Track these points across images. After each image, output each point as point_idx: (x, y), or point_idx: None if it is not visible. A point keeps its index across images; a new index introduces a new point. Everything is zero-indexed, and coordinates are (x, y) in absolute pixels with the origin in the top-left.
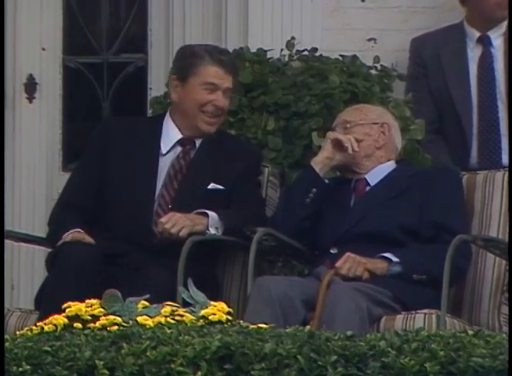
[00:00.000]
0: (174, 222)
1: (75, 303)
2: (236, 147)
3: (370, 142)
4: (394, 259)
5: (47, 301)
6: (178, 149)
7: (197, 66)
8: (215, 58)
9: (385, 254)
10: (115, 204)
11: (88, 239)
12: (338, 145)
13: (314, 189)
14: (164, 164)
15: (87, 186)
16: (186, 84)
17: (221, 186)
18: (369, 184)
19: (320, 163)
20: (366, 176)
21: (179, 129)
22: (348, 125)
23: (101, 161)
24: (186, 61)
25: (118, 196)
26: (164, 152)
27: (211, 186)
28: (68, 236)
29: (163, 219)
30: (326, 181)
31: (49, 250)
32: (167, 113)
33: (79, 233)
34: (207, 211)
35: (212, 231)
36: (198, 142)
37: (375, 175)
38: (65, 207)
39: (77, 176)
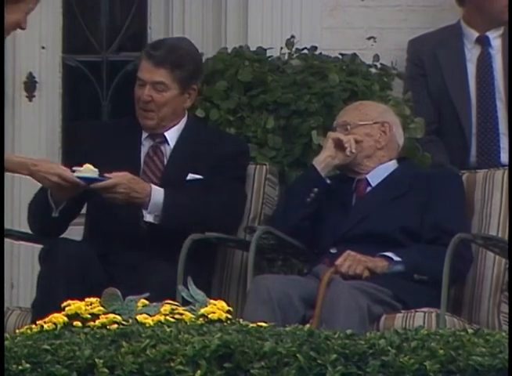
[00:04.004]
0: None
1: (75, 301)
2: (219, 140)
3: (371, 143)
4: (396, 258)
5: (38, 300)
6: (150, 143)
7: (139, 64)
8: (145, 53)
9: (386, 253)
10: (103, 204)
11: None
12: (339, 144)
13: (315, 189)
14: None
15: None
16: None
17: (199, 176)
18: (370, 184)
19: (322, 162)
20: (367, 176)
21: None
22: (349, 127)
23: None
24: None
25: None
26: (141, 149)
27: (190, 176)
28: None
29: None
30: (328, 181)
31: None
32: None
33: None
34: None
35: (149, 218)
36: (168, 136)
37: (376, 175)
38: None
39: None
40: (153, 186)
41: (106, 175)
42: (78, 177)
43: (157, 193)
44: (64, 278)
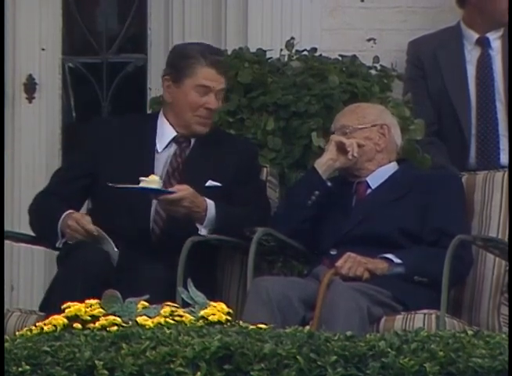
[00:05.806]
0: None
1: (75, 303)
2: (230, 143)
3: (371, 147)
4: (396, 260)
5: (52, 303)
6: (174, 146)
7: (192, 68)
8: (209, 59)
9: (387, 255)
10: (111, 204)
11: (87, 218)
12: (341, 148)
13: (316, 192)
14: (160, 162)
15: (75, 182)
16: (180, 86)
17: (218, 184)
18: (370, 186)
19: (324, 165)
20: (367, 179)
21: (173, 127)
22: (347, 131)
23: (94, 160)
24: (180, 62)
25: (113, 196)
26: (159, 150)
27: (209, 183)
28: (67, 218)
29: None
30: (329, 184)
31: (48, 250)
32: (161, 112)
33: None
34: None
35: (203, 232)
36: (193, 140)
37: (376, 177)
38: (49, 195)
39: (66, 172)
40: (206, 199)
41: (170, 189)
42: (144, 188)
43: (211, 208)
44: (82, 281)
